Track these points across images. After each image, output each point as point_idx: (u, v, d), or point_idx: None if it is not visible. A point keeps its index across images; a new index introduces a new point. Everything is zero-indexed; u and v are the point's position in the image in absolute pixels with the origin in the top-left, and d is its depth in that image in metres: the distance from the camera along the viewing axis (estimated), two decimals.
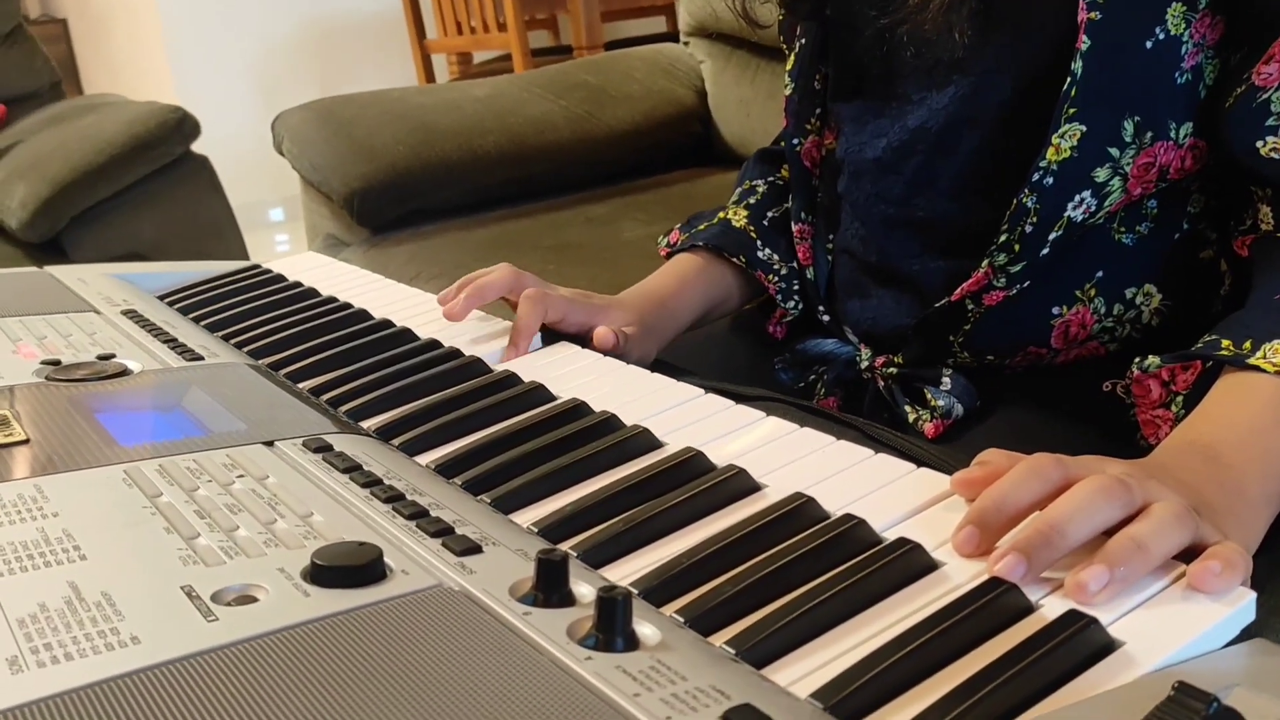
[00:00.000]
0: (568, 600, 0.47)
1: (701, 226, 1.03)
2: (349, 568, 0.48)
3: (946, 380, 0.85)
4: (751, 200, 1.03)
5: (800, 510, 0.53)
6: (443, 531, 0.53)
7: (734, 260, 0.98)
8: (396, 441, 0.67)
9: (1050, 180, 0.75)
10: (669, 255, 1.04)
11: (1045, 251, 0.77)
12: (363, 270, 1.12)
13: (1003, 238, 0.77)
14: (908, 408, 0.87)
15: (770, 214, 1.02)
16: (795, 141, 0.97)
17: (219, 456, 0.61)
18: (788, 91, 0.96)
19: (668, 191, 1.93)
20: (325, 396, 0.75)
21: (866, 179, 0.89)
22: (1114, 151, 0.75)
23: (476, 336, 0.85)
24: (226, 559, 0.50)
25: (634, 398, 0.71)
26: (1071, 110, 0.74)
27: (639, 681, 0.40)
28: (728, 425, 0.65)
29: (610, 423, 0.66)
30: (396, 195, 1.79)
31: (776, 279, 0.98)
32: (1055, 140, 0.74)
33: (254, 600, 0.47)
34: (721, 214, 1.03)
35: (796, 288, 0.98)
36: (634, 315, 0.89)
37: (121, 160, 2.08)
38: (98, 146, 2.08)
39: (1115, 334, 0.81)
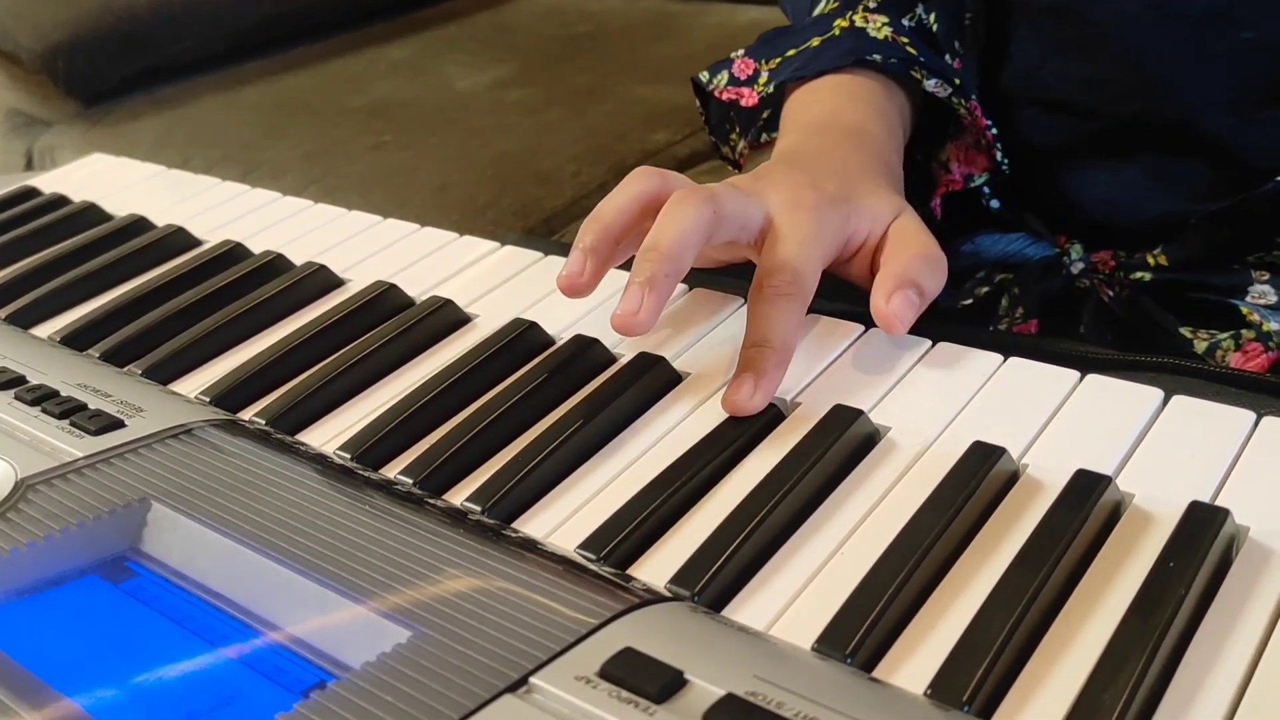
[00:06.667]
0: None
1: (815, 42, 0.64)
2: None
3: (1268, 289, 0.58)
4: (870, 3, 0.66)
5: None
6: None
7: (929, 84, 0.62)
8: None
9: None
10: (760, 98, 0.65)
11: None
12: (200, 176, 0.71)
13: None
14: (1185, 331, 0.59)
15: (906, 23, 0.67)
16: None
17: None
18: None
19: (472, 23, 1.55)
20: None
21: None
22: None
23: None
24: None
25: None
26: None
27: None
28: None
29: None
30: (120, 48, 1.39)
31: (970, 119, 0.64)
32: None
33: None
34: (840, 21, 0.64)
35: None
36: (898, 193, 0.54)
37: None
38: None
39: None
